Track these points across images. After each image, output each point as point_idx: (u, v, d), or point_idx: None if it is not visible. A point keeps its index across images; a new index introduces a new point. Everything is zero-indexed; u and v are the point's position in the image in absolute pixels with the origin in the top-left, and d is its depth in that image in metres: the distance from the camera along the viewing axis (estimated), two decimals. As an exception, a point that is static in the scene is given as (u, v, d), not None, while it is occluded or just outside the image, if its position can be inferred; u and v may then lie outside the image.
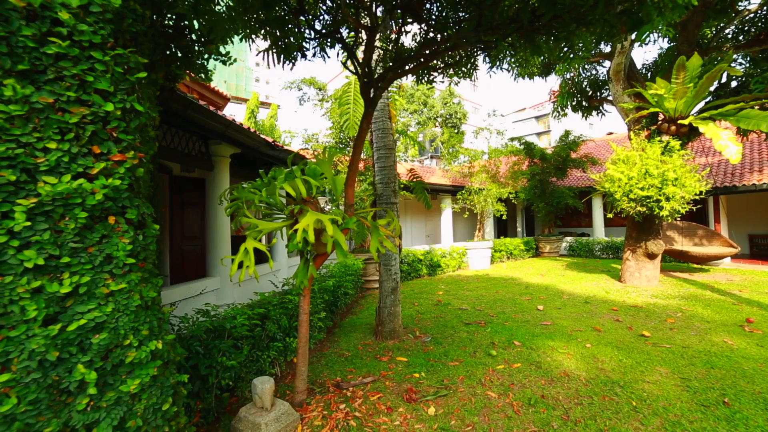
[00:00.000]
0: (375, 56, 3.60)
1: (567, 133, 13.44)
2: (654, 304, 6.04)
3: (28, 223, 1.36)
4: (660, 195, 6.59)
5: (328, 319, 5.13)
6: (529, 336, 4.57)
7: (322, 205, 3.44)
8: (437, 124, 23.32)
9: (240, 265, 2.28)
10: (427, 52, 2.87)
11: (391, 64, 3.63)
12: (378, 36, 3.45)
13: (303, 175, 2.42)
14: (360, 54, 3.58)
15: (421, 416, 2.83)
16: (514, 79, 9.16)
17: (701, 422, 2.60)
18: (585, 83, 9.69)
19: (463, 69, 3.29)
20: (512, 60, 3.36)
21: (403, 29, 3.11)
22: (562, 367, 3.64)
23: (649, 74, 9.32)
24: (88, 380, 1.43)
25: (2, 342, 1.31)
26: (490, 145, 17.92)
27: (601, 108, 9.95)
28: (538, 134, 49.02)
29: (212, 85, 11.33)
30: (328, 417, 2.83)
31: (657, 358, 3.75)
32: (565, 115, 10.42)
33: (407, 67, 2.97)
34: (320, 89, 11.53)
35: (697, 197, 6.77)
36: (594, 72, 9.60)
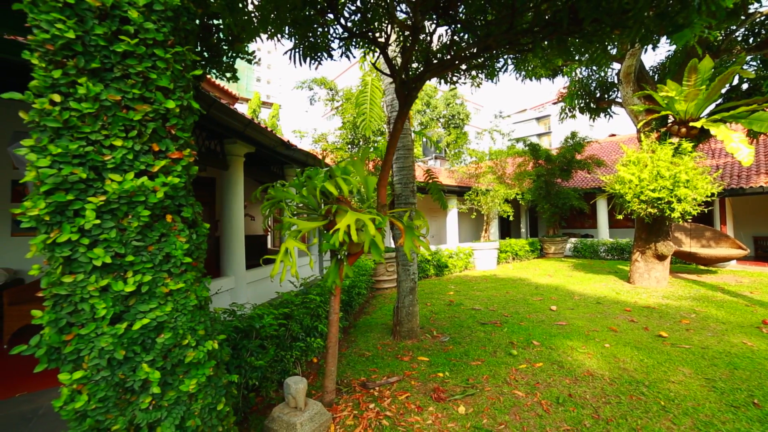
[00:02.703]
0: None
1: (573, 135, 13.48)
2: (666, 305, 6.06)
3: (98, 221, 1.36)
4: (671, 197, 6.62)
5: (344, 319, 5.13)
6: (546, 336, 4.59)
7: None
8: (440, 124, 23.28)
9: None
10: (462, 54, 2.88)
11: (416, 64, 3.63)
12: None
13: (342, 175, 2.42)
14: (389, 53, 3.58)
15: (452, 415, 2.83)
16: (522, 80, 9.15)
17: (733, 423, 2.61)
18: (593, 85, 9.71)
19: (491, 70, 3.30)
20: (539, 62, 3.38)
21: (432, 30, 3.12)
22: (584, 366, 3.66)
23: (656, 77, 9.35)
24: (151, 379, 1.43)
25: (74, 340, 1.31)
26: (492, 147, 17.93)
27: (609, 110, 9.97)
28: (539, 135, 49.01)
29: (217, 82, 11.32)
30: (359, 416, 2.83)
31: (678, 359, 3.77)
32: (574, 116, 10.44)
33: (442, 68, 2.98)
34: (331, 89, 11.52)
35: (708, 199, 6.81)
36: (603, 74, 9.61)
